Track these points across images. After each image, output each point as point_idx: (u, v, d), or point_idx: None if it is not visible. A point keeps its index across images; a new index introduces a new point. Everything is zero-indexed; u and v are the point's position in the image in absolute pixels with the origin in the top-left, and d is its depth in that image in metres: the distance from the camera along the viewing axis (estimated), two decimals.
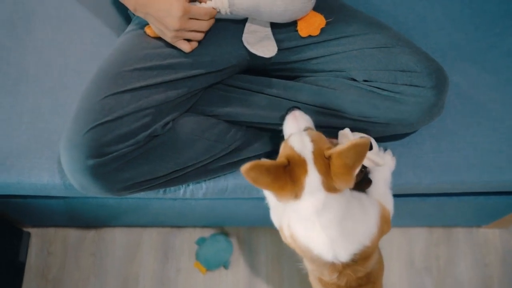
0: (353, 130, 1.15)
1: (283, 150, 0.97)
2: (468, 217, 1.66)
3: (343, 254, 0.96)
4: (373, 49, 1.14)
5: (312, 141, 0.94)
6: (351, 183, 0.91)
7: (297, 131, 1.02)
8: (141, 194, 1.22)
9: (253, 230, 1.78)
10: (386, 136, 1.24)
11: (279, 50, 1.16)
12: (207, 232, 1.77)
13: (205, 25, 1.09)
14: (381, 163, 1.10)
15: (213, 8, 1.09)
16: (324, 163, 0.91)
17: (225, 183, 1.28)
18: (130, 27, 1.25)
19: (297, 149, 0.93)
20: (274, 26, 1.18)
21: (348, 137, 1.10)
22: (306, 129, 1.02)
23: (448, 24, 1.41)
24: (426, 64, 1.12)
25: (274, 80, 1.23)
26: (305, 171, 0.91)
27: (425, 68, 1.12)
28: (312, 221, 0.93)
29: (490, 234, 1.78)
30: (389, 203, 1.12)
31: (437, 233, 1.78)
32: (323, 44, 1.18)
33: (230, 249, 1.71)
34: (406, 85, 1.11)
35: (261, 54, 1.14)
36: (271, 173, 0.88)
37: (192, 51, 1.13)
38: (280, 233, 1.08)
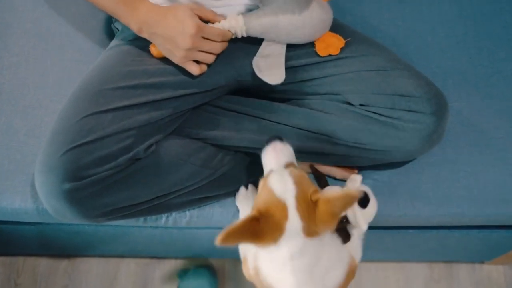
0: (346, 157, 1.18)
1: (261, 191, 0.98)
2: (471, 252, 1.68)
3: None
4: (370, 71, 1.17)
5: (295, 183, 0.95)
6: (333, 228, 0.94)
7: (277, 166, 1.03)
8: (120, 222, 1.23)
9: (239, 263, 1.77)
10: (382, 164, 1.26)
11: None
12: (189, 264, 1.77)
13: (217, 46, 1.12)
14: (363, 228, 1.10)
15: (228, 30, 1.12)
16: (307, 207, 0.93)
17: (210, 210, 1.29)
18: (114, 42, 1.27)
19: (277, 193, 0.94)
20: None
21: (355, 184, 1.13)
22: (288, 165, 1.03)
23: (450, 47, 1.44)
24: (426, 89, 1.15)
25: (264, 102, 1.25)
26: (285, 216, 0.92)
27: (424, 93, 1.14)
28: (284, 264, 0.94)
29: (494, 271, 1.79)
30: (357, 255, 1.13)
31: (437, 269, 1.79)
32: (318, 66, 1.20)
33: (215, 284, 1.71)
34: (404, 110, 1.14)
35: (267, 80, 1.16)
36: (247, 232, 0.89)
37: (178, 70, 1.16)
38: (243, 264, 1.10)
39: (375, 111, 1.15)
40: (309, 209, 0.92)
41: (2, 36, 1.42)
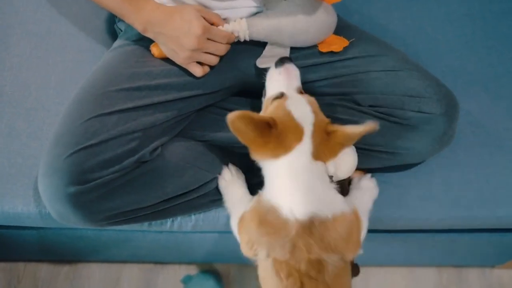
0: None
1: (276, 110, 1.03)
2: (481, 256, 1.68)
3: (301, 209, 0.97)
4: (379, 72, 1.18)
5: (313, 111, 1.02)
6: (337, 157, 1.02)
7: (287, 89, 1.08)
8: (124, 226, 1.23)
9: (245, 269, 1.78)
10: (392, 166, 1.27)
11: None
12: (193, 270, 1.78)
13: (222, 48, 1.14)
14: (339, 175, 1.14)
15: (232, 33, 1.14)
16: (321, 136, 1.00)
17: (216, 214, 1.29)
18: (117, 43, 1.28)
19: (296, 117, 1.00)
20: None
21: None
22: (298, 90, 1.09)
23: (459, 47, 1.45)
24: (436, 90, 1.15)
25: None
26: (299, 139, 0.99)
27: (434, 93, 1.15)
28: (283, 178, 0.99)
29: (505, 275, 1.79)
30: (364, 223, 1.13)
31: (447, 273, 1.79)
32: (326, 66, 1.21)
33: None
34: (414, 111, 1.14)
35: None
36: (257, 128, 0.96)
37: (183, 71, 1.16)
38: (238, 233, 1.10)
39: (384, 112, 1.16)
40: (322, 137, 1.00)
41: (3, 37, 1.43)
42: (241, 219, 1.09)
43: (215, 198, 1.24)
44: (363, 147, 1.18)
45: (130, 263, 1.79)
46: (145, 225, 1.29)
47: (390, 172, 1.29)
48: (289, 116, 1.01)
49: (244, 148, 1.17)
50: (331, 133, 1.00)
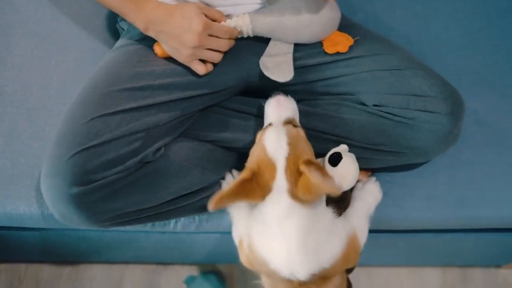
0: (360, 159, 1.18)
1: (256, 145, 1.02)
2: (487, 256, 1.68)
3: (301, 272, 0.98)
4: (384, 71, 1.18)
5: (289, 143, 0.98)
6: (317, 201, 0.97)
7: (276, 120, 1.05)
8: (127, 227, 1.23)
9: (248, 269, 1.78)
10: (397, 166, 1.26)
11: None
12: (196, 270, 1.78)
13: (224, 44, 1.14)
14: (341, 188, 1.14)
15: (234, 28, 1.13)
16: (296, 171, 0.95)
17: (220, 215, 1.29)
18: (119, 42, 1.28)
19: (269, 151, 0.97)
20: None
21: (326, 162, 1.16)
22: (288, 121, 1.06)
23: (464, 45, 1.45)
24: (441, 89, 1.15)
25: None
26: (273, 176, 0.96)
27: (440, 92, 1.15)
28: (273, 228, 0.97)
29: (511, 275, 1.79)
30: (363, 235, 1.14)
31: (452, 274, 1.79)
32: (331, 65, 1.21)
33: None
34: (419, 110, 1.14)
35: (276, 78, 1.17)
36: (238, 193, 0.94)
37: (186, 70, 1.16)
38: (238, 249, 1.12)
39: (389, 112, 1.16)
40: (297, 174, 0.95)
41: (4, 36, 1.43)
42: (240, 243, 1.10)
43: None
44: (367, 146, 1.19)
45: (132, 264, 1.79)
46: (148, 226, 1.29)
47: (394, 171, 1.29)
48: (263, 150, 0.99)
49: (248, 148, 1.18)
50: (302, 174, 0.95)
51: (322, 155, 1.16)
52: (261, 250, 1.01)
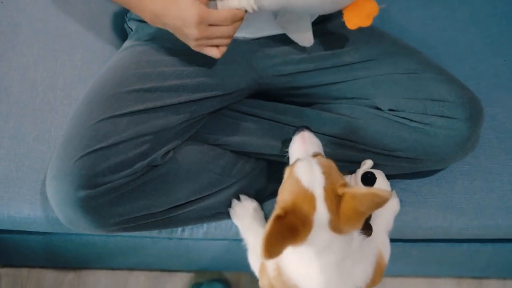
0: (375, 165, 1.18)
1: (286, 181, 0.99)
2: (503, 267, 1.67)
3: None
4: (401, 74, 1.18)
5: (324, 173, 0.95)
6: (358, 228, 0.94)
7: (304, 156, 1.03)
8: (133, 233, 1.24)
9: (255, 277, 1.78)
10: (412, 173, 1.26)
11: (295, 73, 1.19)
12: (202, 278, 1.78)
13: (229, 30, 1.05)
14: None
15: (237, 9, 1.05)
16: (336, 200, 0.92)
17: (229, 222, 1.29)
18: (127, 43, 1.28)
19: (305, 183, 0.94)
20: (288, 45, 1.20)
21: (365, 166, 1.15)
22: (315, 155, 1.03)
23: (483, 48, 1.45)
24: (460, 93, 1.15)
25: (288, 106, 1.26)
26: (313, 208, 0.92)
27: (458, 97, 1.14)
28: (310, 260, 0.95)
29: None
30: (386, 253, 1.14)
31: (466, 285, 1.78)
32: (345, 68, 1.21)
33: None
34: (436, 116, 1.14)
35: (297, 41, 1.13)
36: (282, 233, 0.87)
37: (196, 72, 1.16)
38: (260, 274, 1.11)
39: (405, 117, 1.16)
40: (337, 202, 0.92)
41: (10, 36, 1.43)
42: (262, 267, 1.10)
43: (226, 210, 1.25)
44: (382, 152, 1.18)
45: (136, 271, 1.79)
46: (154, 232, 1.29)
47: (410, 178, 1.29)
48: (298, 183, 0.95)
49: (259, 152, 1.18)
50: (342, 197, 0.92)
51: (335, 160, 1.16)
52: (294, 276, 1.00)
